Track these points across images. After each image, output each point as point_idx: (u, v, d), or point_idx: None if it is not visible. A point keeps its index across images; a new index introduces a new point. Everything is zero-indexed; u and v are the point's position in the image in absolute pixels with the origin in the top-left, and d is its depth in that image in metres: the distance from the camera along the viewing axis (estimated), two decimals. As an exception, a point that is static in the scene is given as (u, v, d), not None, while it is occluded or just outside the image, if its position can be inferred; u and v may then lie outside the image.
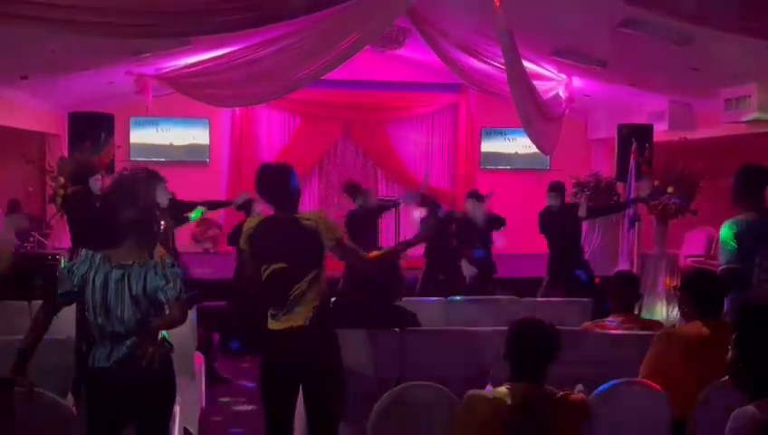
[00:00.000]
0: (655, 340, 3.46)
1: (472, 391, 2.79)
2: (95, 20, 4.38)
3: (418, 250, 7.36)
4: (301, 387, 3.42)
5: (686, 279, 3.63)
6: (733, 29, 5.79)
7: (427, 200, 7.52)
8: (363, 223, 7.30)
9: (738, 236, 3.89)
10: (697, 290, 3.45)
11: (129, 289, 3.16)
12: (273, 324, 3.44)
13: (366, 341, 3.98)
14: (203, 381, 5.41)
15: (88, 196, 6.62)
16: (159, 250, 3.41)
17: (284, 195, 3.49)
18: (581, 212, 7.32)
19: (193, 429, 4.95)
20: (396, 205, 9.00)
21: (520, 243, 10.17)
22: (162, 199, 6.09)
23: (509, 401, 2.65)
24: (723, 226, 4.04)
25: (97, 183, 6.70)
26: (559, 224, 7.26)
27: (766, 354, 2.17)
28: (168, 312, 3.22)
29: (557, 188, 7.42)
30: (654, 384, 3.25)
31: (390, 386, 3.84)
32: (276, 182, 3.50)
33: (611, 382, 3.24)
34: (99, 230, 4.02)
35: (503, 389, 2.72)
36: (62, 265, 3.32)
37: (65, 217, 7.20)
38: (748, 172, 4.23)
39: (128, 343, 3.13)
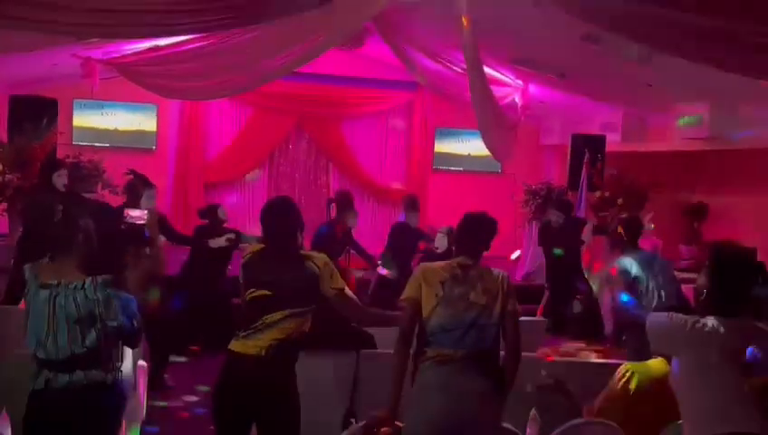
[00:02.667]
0: (617, 376, 3.44)
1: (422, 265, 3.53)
2: (48, 18, 4.10)
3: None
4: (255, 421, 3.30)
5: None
6: (690, 56, 5.86)
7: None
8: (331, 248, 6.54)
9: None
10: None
11: (56, 314, 2.96)
12: (233, 344, 3.33)
13: (321, 363, 3.87)
14: (144, 393, 5.20)
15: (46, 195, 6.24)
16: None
17: (287, 234, 3.41)
18: (587, 238, 7.40)
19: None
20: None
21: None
22: (147, 205, 5.96)
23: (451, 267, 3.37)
24: None
25: (60, 179, 6.39)
26: (561, 239, 7.38)
27: (735, 283, 2.87)
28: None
29: (563, 207, 7.57)
30: (612, 424, 3.23)
31: (345, 411, 3.76)
32: (280, 220, 3.43)
33: (571, 423, 3.22)
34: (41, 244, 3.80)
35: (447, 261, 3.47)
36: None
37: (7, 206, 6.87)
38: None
39: (68, 377, 2.95)
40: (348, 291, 3.41)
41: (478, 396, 3.12)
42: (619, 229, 5.22)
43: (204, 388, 5.93)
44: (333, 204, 7.44)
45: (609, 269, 5.50)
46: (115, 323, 3.04)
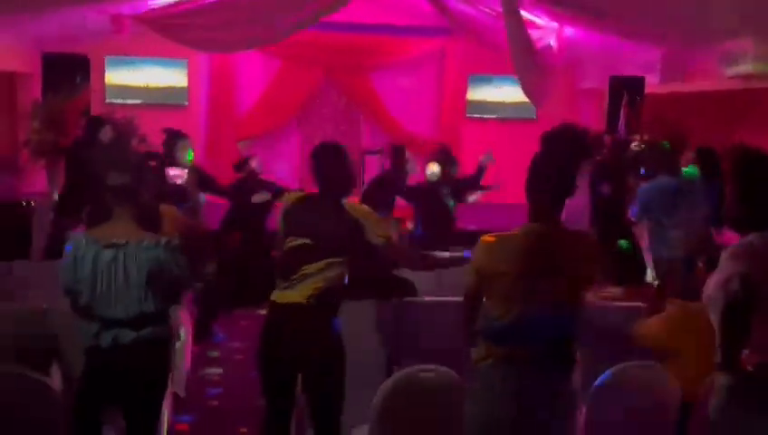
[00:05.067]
0: (667, 314, 3.36)
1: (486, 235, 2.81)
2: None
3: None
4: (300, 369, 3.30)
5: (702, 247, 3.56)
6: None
7: (443, 156, 6.98)
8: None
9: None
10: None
11: (126, 273, 2.94)
12: (275, 295, 3.32)
13: (363, 311, 3.85)
14: (189, 342, 5.27)
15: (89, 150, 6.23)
16: (173, 215, 3.21)
17: (338, 179, 3.33)
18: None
19: (180, 391, 4.85)
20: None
21: (505, 194, 10.07)
22: (183, 157, 5.91)
23: (524, 238, 2.71)
24: None
25: (106, 135, 6.39)
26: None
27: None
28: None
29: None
30: (664, 370, 3.17)
31: (387, 360, 3.75)
32: (333, 164, 3.34)
33: (620, 365, 3.15)
34: (81, 199, 3.78)
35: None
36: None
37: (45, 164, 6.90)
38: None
39: (135, 334, 2.95)
40: (394, 239, 3.37)
41: (552, 398, 2.69)
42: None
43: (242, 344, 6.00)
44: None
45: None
46: (180, 280, 3.04)
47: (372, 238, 3.25)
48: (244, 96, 10.54)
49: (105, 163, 3.01)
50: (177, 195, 5.29)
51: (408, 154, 6.78)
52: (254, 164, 6.99)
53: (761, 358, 2.45)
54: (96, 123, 6.53)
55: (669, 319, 3.32)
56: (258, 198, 6.72)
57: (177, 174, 5.47)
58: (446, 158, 6.86)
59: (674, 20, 7.67)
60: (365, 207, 3.40)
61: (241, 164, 7.11)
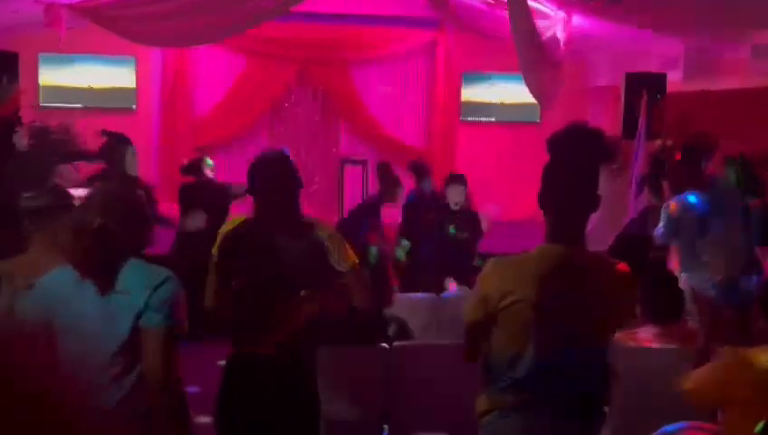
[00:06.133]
0: (721, 364, 3.12)
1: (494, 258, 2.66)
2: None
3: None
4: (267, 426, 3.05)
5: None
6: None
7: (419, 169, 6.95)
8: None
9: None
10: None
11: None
12: (236, 343, 3.05)
13: (347, 358, 3.60)
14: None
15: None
16: None
17: (289, 190, 3.06)
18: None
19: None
20: None
21: (507, 209, 9.89)
22: (132, 169, 5.62)
23: (540, 261, 2.55)
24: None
25: (21, 140, 6.07)
26: None
27: None
28: None
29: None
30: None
31: (375, 417, 3.53)
32: (281, 174, 3.06)
33: (674, 426, 2.92)
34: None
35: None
36: None
37: None
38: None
39: None
40: (361, 270, 3.11)
41: None
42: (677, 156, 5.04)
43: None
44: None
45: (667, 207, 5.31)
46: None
47: (336, 264, 2.99)
48: (202, 98, 10.30)
49: (18, 179, 2.71)
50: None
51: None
52: (204, 166, 6.69)
53: None
54: (7, 127, 6.15)
55: (723, 369, 3.08)
56: (192, 224, 6.26)
57: None
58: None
59: (699, 8, 7.54)
60: (329, 225, 3.17)
61: (189, 167, 6.80)
